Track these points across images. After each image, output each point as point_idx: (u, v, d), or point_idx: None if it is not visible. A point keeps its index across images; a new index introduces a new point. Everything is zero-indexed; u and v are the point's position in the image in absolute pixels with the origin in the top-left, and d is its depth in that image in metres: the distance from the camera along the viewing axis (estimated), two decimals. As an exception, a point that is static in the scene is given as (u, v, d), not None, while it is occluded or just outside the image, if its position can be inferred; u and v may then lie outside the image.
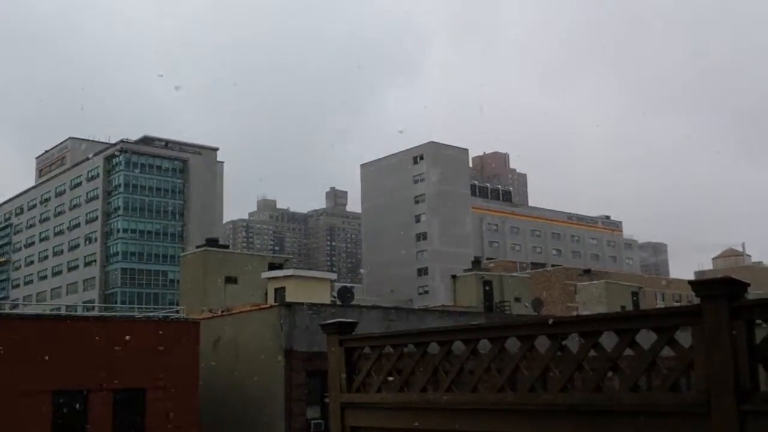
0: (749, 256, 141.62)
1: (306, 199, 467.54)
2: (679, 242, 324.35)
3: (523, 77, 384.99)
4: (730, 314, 5.16)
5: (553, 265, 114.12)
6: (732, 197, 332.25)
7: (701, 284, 5.41)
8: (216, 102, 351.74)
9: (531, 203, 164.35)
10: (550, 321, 6.46)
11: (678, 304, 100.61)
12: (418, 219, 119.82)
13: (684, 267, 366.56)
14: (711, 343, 5.28)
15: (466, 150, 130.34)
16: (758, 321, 5.02)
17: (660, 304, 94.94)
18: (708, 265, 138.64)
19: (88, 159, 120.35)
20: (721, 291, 5.30)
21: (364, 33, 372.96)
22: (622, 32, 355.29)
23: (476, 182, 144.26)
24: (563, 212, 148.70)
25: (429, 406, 6.79)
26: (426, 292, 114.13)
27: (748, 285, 5.34)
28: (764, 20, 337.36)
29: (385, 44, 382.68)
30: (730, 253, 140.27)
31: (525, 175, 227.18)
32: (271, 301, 30.98)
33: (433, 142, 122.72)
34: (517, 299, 55.39)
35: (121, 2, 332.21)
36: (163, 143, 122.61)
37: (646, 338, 5.74)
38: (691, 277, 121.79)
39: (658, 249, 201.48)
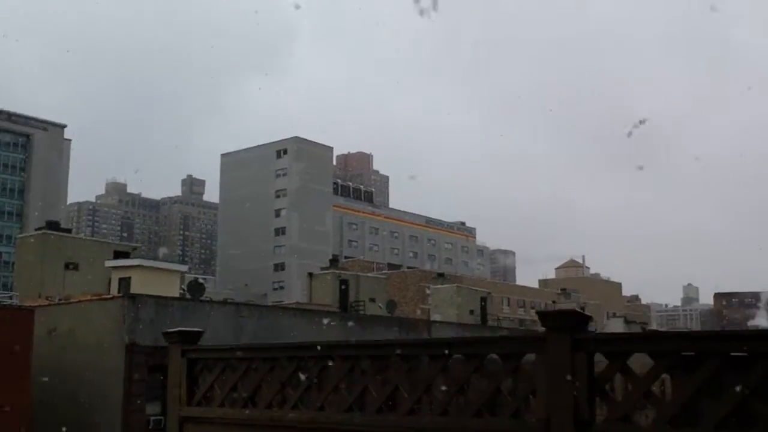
0: (588, 268, 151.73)
1: (160, 185, 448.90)
2: (526, 251, 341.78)
3: (391, 79, 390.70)
4: (573, 346, 5.29)
5: (409, 267, 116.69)
6: (576, 212, 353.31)
7: (547, 315, 5.53)
8: (68, 78, 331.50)
9: (392, 205, 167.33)
10: (353, 340, 6.62)
11: (522, 311, 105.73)
12: (278, 213, 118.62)
13: (530, 274, 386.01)
14: (553, 372, 5.40)
15: (331, 148, 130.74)
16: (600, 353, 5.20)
17: (506, 309, 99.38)
18: (551, 274, 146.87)
19: None
20: (566, 323, 5.43)
21: (232, 20, 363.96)
22: (481, 43, 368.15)
23: (339, 181, 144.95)
24: (422, 216, 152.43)
25: (273, 424, 6.56)
26: (281, 287, 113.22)
27: (590, 318, 5.50)
28: (619, 43, 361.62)
29: (253, 33, 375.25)
30: (572, 264, 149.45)
31: (387, 177, 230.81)
32: (114, 291, 29.49)
33: (297, 137, 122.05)
34: (372, 299, 55.98)
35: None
36: (6, 116, 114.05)
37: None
38: (536, 285, 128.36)
39: (507, 256, 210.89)
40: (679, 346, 4.76)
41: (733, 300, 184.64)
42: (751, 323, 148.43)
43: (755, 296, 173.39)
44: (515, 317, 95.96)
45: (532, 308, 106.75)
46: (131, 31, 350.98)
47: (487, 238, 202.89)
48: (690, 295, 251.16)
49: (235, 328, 32.73)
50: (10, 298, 30.64)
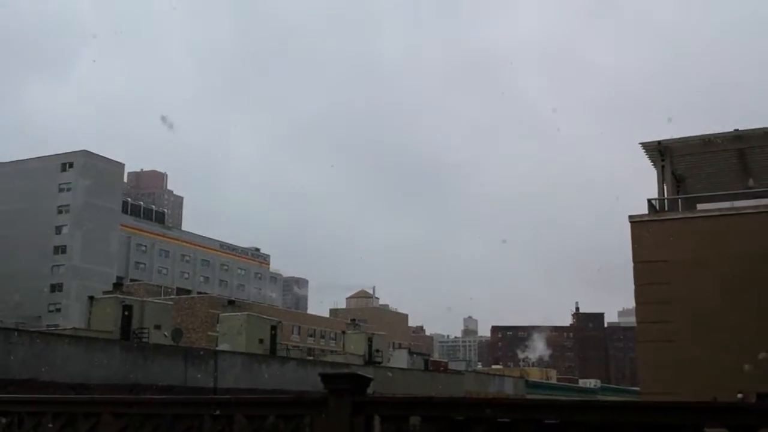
0: (378, 298, 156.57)
1: None
2: (320, 280, 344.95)
3: (191, 98, 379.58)
4: (353, 409, 5.46)
5: (199, 293, 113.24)
6: (368, 243, 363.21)
7: (329, 377, 5.66)
8: None
9: (185, 227, 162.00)
10: (127, 397, 6.37)
11: (312, 339, 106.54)
12: (59, 231, 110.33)
13: (322, 303, 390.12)
14: (332, 435, 5.54)
15: (122, 164, 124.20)
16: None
17: (295, 338, 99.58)
18: (342, 304, 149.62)
19: None
20: (346, 385, 5.59)
21: (16, 17, 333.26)
22: (277, 69, 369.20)
23: (129, 199, 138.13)
24: (216, 240, 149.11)
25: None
26: (58, 310, 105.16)
27: (371, 379, 5.73)
28: (410, 82, 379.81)
29: (33, 33, 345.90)
30: (362, 294, 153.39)
31: (182, 198, 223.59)
32: None
33: (85, 150, 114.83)
34: (158, 327, 53.65)
35: None
36: None
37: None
38: (327, 314, 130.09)
39: (300, 284, 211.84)
40: (448, 413, 5.08)
41: (508, 333, 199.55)
42: (521, 354, 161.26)
43: (526, 330, 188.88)
44: (305, 346, 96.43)
45: (322, 337, 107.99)
46: None
47: (281, 265, 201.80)
48: (470, 327, 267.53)
49: (3, 354, 29.85)
50: None
